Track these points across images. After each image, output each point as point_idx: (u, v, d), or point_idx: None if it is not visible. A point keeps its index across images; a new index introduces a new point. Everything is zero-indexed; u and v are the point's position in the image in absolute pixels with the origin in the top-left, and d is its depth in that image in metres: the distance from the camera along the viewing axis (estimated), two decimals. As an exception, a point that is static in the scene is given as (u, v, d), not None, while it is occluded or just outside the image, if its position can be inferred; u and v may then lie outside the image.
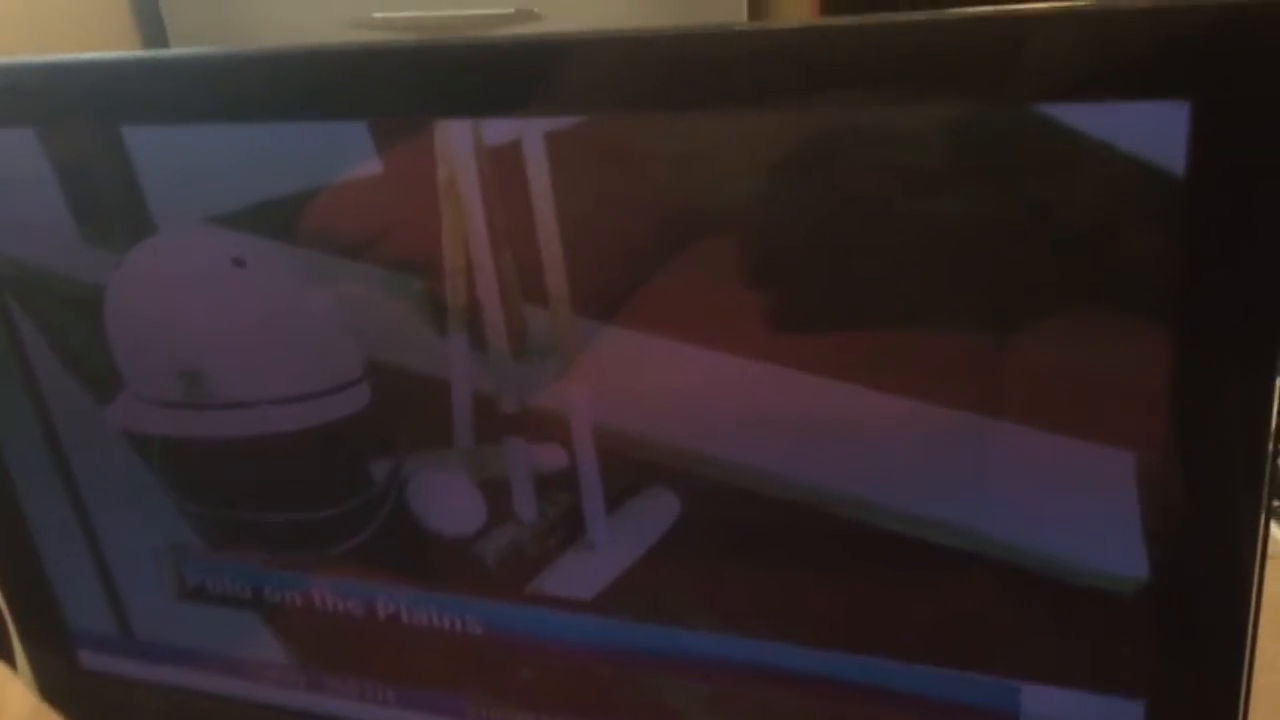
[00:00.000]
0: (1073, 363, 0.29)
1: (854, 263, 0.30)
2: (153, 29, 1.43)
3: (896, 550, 0.32)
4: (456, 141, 0.32)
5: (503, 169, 0.32)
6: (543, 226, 0.32)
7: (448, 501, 0.37)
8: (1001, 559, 0.31)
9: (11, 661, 0.49)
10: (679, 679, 0.38)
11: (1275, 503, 0.60)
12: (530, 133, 0.31)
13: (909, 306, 0.30)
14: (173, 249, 0.37)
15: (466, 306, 0.34)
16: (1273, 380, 0.27)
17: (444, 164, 0.32)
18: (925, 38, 0.27)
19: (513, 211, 0.32)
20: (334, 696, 0.44)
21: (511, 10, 1.35)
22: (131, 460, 0.42)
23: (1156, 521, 0.29)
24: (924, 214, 0.29)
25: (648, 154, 0.31)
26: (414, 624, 0.40)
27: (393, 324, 0.35)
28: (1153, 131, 0.26)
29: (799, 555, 0.34)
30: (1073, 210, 0.28)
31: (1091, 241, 0.28)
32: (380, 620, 0.41)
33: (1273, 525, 0.58)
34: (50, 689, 0.49)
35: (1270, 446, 0.28)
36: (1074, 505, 0.30)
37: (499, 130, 0.31)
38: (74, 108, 0.37)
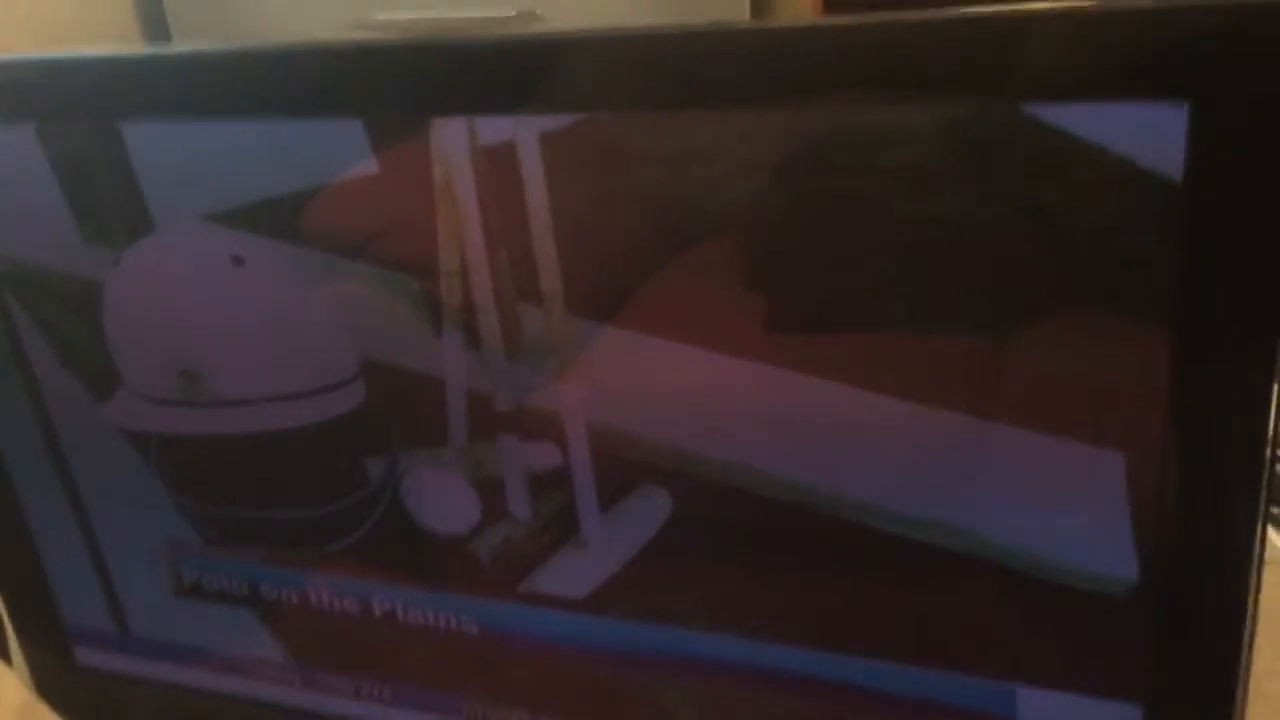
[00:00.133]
0: (1070, 365, 0.29)
1: (848, 264, 0.30)
2: (157, 32, 1.43)
3: (890, 551, 0.32)
4: (452, 141, 0.32)
5: (498, 169, 0.32)
6: (537, 226, 0.32)
7: (442, 499, 0.37)
8: (996, 561, 0.31)
9: (6, 657, 0.49)
10: (671, 679, 0.38)
11: (1276, 510, 0.60)
12: (525, 133, 0.31)
13: (903, 307, 0.30)
14: (171, 247, 0.37)
15: (461, 306, 0.34)
16: (1270, 385, 0.27)
17: (440, 163, 0.32)
18: (926, 37, 0.27)
19: (508, 211, 0.32)
20: (329, 694, 0.44)
21: (514, 12, 1.36)
22: (129, 457, 0.42)
23: (1152, 525, 0.29)
24: (920, 215, 0.29)
25: (643, 154, 0.31)
26: (409, 622, 0.40)
27: (388, 322, 0.36)
28: (1152, 133, 0.26)
29: (792, 556, 0.34)
30: (1071, 212, 0.28)
31: (1089, 243, 0.28)
32: (375, 618, 0.41)
33: (1272, 531, 0.58)
34: (45, 685, 0.49)
35: (1268, 451, 0.27)
36: (1070, 508, 0.30)
37: (494, 129, 0.32)
38: (72, 104, 0.37)
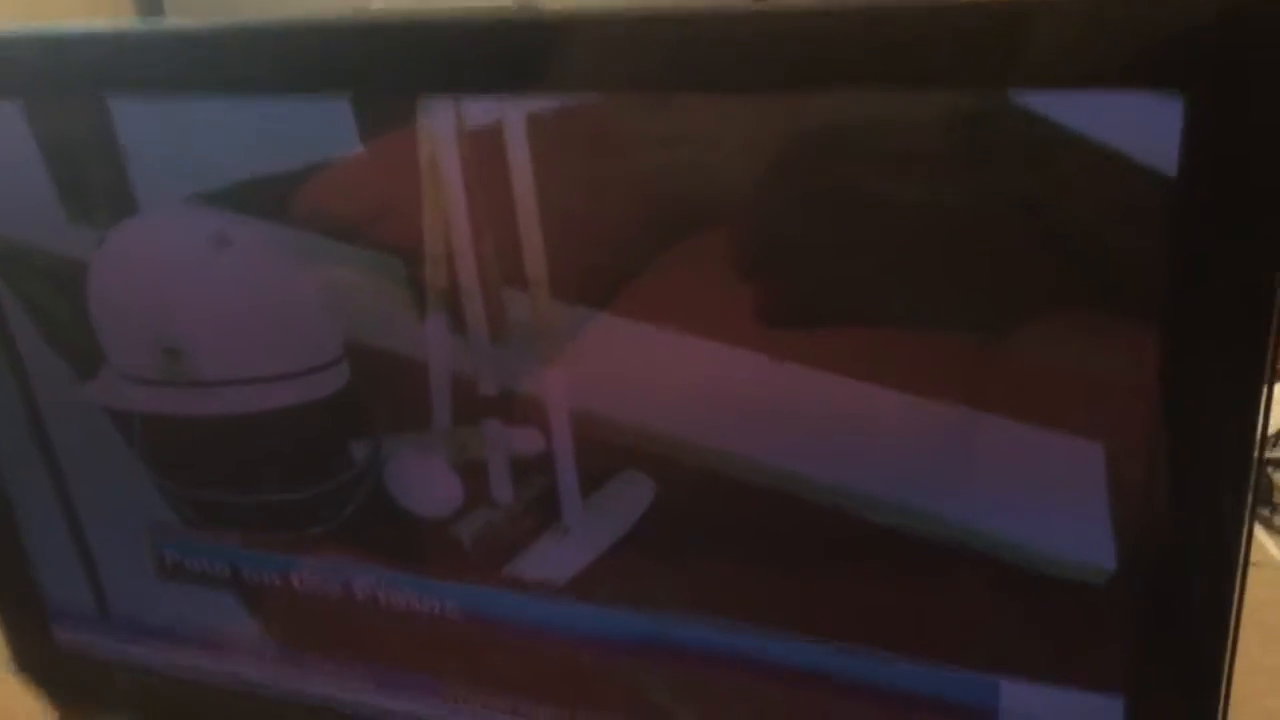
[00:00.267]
0: (1060, 357, 0.29)
1: (835, 252, 0.30)
2: (154, 14, 1.43)
3: (874, 541, 0.32)
4: (439, 122, 0.32)
5: (485, 152, 0.32)
6: (523, 211, 0.32)
7: (425, 483, 0.37)
8: (981, 551, 0.31)
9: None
10: (653, 665, 0.38)
11: (1265, 511, 0.61)
12: (512, 115, 0.31)
13: (889, 296, 0.30)
14: (156, 226, 0.37)
15: (446, 288, 0.34)
16: (1260, 384, 0.27)
17: (426, 145, 0.32)
18: (920, 24, 0.27)
19: (494, 195, 0.32)
20: (310, 678, 0.44)
21: (512, 4, 1.35)
22: (112, 437, 0.42)
23: (1137, 517, 0.29)
24: (909, 203, 0.29)
25: (629, 139, 0.31)
26: (391, 606, 0.40)
27: (373, 304, 0.35)
28: (1147, 123, 0.25)
29: (774, 544, 0.34)
30: (1063, 202, 0.28)
31: (1081, 235, 0.28)
32: (357, 602, 0.41)
33: (1263, 534, 0.58)
34: (25, 664, 0.49)
35: (1256, 448, 0.27)
36: (1055, 498, 0.30)
37: (481, 111, 0.31)
38: (59, 80, 0.36)
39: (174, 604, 0.44)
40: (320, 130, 0.33)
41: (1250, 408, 0.27)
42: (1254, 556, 0.29)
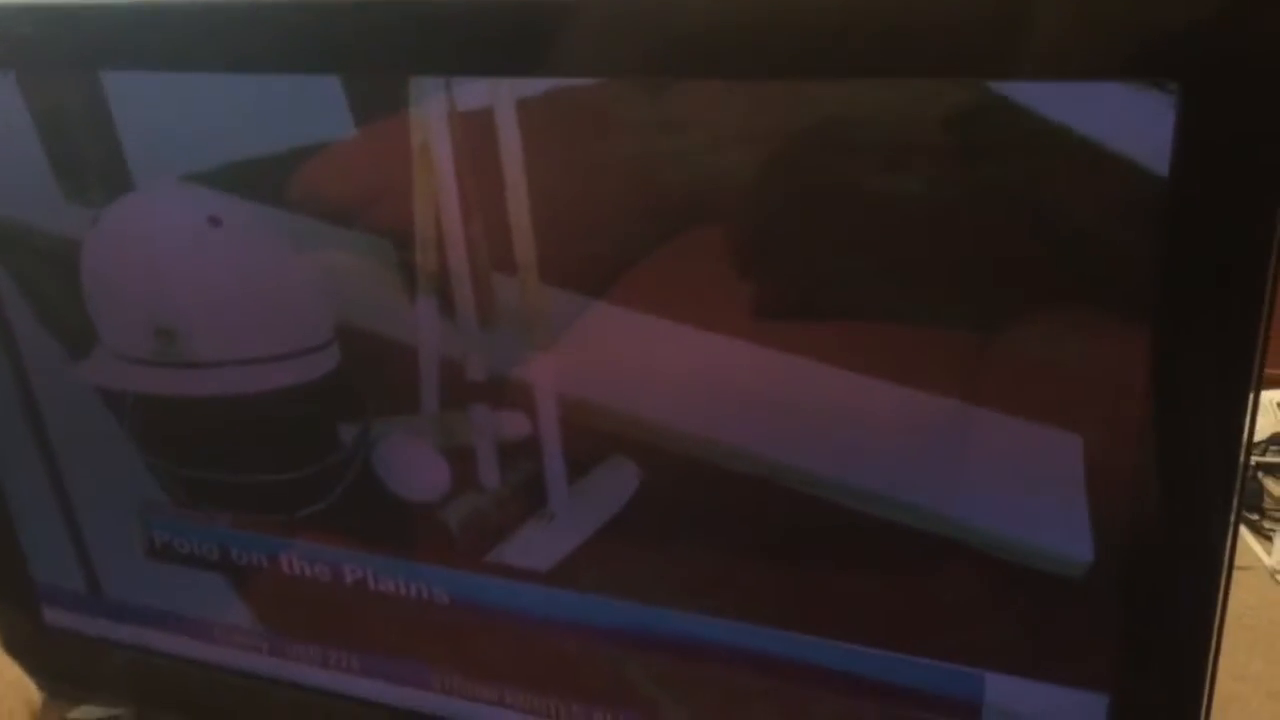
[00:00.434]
0: (1048, 352, 0.29)
1: (824, 243, 0.30)
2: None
3: (860, 531, 0.32)
4: (430, 105, 0.32)
5: (476, 136, 0.32)
6: (513, 196, 0.32)
7: (412, 467, 0.38)
8: (966, 544, 0.31)
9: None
10: (637, 653, 0.38)
11: (1256, 518, 0.61)
12: (503, 100, 0.31)
13: (875, 288, 0.30)
14: (150, 206, 0.37)
15: (436, 273, 0.34)
16: (1249, 384, 0.27)
17: (418, 128, 0.32)
18: (912, 15, 0.27)
19: (484, 179, 0.32)
20: (296, 662, 0.44)
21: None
22: (104, 417, 0.42)
23: (1120, 516, 0.29)
24: (896, 197, 0.29)
25: (619, 124, 0.31)
26: (377, 590, 0.41)
27: (363, 287, 0.36)
28: (1140, 118, 0.25)
29: (758, 534, 0.34)
30: (1054, 197, 0.28)
31: (1072, 231, 0.28)
32: (344, 585, 0.41)
33: (1251, 539, 0.58)
34: (13, 644, 0.49)
35: (1242, 447, 0.27)
36: (1039, 494, 0.30)
37: (472, 95, 0.31)
38: (52, 53, 0.36)
39: (163, 585, 0.44)
40: (312, 111, 0.33)
41: (1236, 409, 0.27)
42: (1242, 561, 0.29)
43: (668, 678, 0.38)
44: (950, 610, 0.33)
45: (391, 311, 0.35)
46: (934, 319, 0.30)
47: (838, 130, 0.28)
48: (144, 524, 0.43)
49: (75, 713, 0.49)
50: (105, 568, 0.45)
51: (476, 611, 0.39)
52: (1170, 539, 0.29)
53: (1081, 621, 0.31)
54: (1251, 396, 0.27)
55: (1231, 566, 0.29)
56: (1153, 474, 0.28)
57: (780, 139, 0.29)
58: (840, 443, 0.32)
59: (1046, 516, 0.30)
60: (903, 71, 0.27)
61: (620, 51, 0.30)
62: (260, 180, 0.35)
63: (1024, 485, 0.30)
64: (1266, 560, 0.57)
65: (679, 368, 0.33)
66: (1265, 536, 0.59)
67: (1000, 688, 0.33)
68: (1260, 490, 0.63)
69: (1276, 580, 0.55)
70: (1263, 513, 0.61)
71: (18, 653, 0.47)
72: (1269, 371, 0.27)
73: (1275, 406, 0.67)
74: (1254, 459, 0.64)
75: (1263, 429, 0.65)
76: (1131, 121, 0.25)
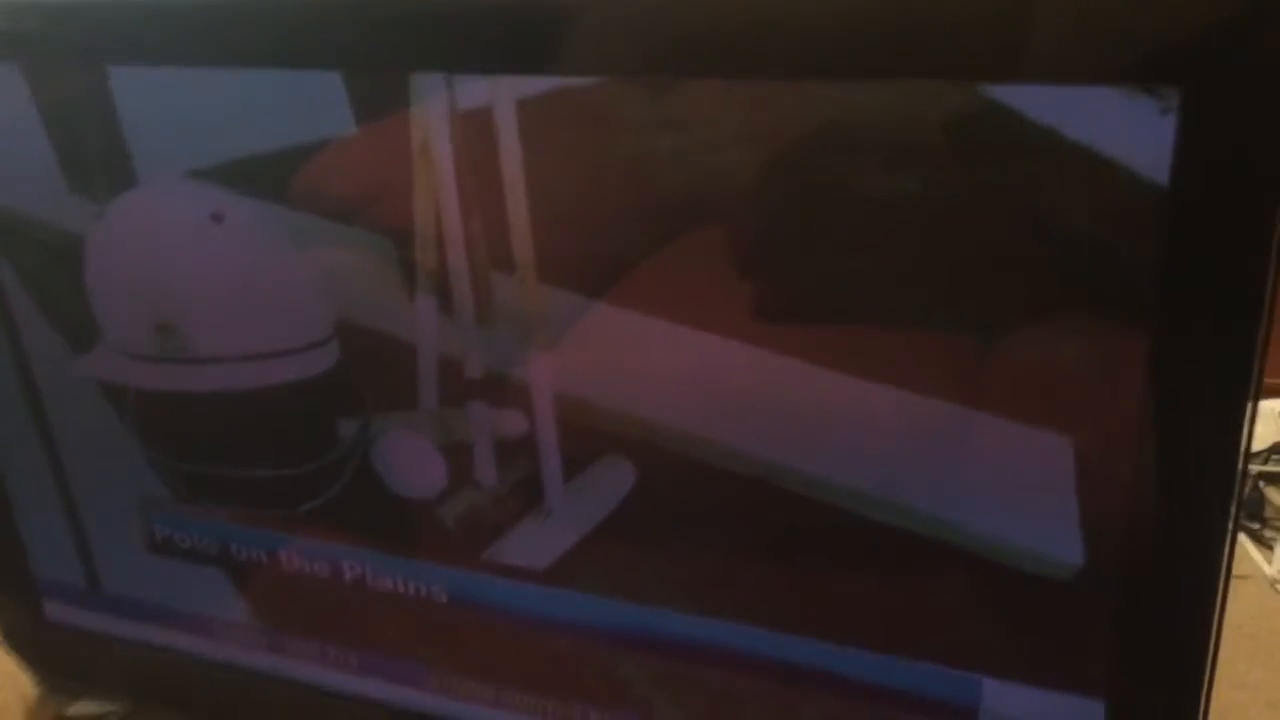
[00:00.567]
0: (1046, 357, 0.29)
1: (821, 245, 0.30)
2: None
3: (856, 533, 0.32)
4: (431, 102, 0.32)
5: (476, 135, 0.32)
6: (512, 194, 0.32)
7: (410, 463, 0.38)
8: (962, 547, 0.31)
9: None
10: (631, 653, 0.38)
11: (1256, 526, 0.61)
12: (503, 99, 0.31)
13: (873, 291, 0.30)
14: (153, 201, 0.38)
15: (435, 270, 0.34)
16: (1248, 386, 0.27)
17: (419, 126, 0.32)
18: (908, 16, 0.27)
19: (484, 178, 0.32)
20: (294, 658, 0.44)
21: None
22: (105, 411, 0.42)
23: (1115, 521, 0.29)
24: (892, 200, 0.29)
25: (619, 123, 0.31)
26: (376, 587, 0.41)
27: (363, 285, 0.36)
28: (1141, 121, 0.25)
29: (753, 535, 0.34)
30: (1052, 202, 0.27)
31: (1070, 237, 0.28)
32: (342, 582, 0.41)
33: (1251, 547, 0.58)
34: (12, 637, 0.49)
35: (1240, 454, 0.27)
36: (1035, 498, 0.30)
37: (473, 94, 0.32)
38: (59, 46, 0.37)
39: (162, 580, 0.45)
40: (315, 107, 0.33)
41: (1235, 417, 0.27)
42: (1242, 570, 0.29)
43: (663, 678, 0.38)
44: (947, 614, 0.33)
45: (391, 308, 0.35)
46: (932, 323, 0.30)
47: (838, 132, 0.28)
48: (144, 518, 0.43)
49: (71, 708, 0.49)
50: (105, 562, 0.46)
51: (474, 610, 0.39)
52: (1168, 546, 0.29)
53: (1080, 628, 0.31)
54: (1250, 405, 0.27)
55: (1230, 574, 0.29)
56: (1152, 481, 0.28)
57: (780, 140, 0.29)
58: (837, 444, 0.32)
59: (1045, 522, 0.30)
60: (905, 74, 0.27)
61: (620, 51, 0.30)
62: (262, 176, 0.35)
63: (1022, 490, 0.30)
64: (1267, 569, 0.57)
65: (676, 368, 0.33)
66: (1266, 545, 0.59)
67: (997, 693, 0.33)
68: (1262, 499, 0.63)
69: (1277, 589, 0.55)
70: (1264, 521, 0.61)
71: (18, 646, 0.47)
72: (1269, 380, 0.27)
73: (1277, 416, 0.66)
74: (1256, 468, 0.64)
75: (1265, 438, 0.65)
76: (1132, 128, 0.25)
